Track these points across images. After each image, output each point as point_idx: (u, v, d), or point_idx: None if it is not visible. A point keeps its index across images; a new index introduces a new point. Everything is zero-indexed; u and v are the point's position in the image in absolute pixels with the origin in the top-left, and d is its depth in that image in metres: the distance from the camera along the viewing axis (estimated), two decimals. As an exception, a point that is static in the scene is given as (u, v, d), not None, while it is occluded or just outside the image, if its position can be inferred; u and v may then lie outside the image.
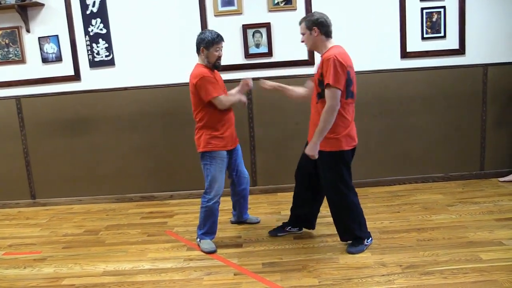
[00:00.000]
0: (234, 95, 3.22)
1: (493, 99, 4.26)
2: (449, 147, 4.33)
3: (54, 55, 4.21)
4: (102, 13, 4.11)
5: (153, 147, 4.32)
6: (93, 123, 4.29)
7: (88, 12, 4.11)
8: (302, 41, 2.95)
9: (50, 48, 4.20)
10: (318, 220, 3.52)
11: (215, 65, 3.13)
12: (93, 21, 4.12)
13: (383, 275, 2.66)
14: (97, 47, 4.17)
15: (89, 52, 4.18)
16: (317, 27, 2.83)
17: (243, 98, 3.20)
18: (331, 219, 3.53)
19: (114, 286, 2.74)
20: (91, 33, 4.15)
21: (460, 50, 4.16)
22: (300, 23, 2.93)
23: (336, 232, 3.28)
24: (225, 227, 3.56)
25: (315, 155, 2.84)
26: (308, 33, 2.87)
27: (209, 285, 2.69)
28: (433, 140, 4.31)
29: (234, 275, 2.79)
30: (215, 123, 3.13)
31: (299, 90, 3.21)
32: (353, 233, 3.01)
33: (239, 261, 2.97)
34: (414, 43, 4.16)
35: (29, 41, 4.20)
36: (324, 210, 3.78)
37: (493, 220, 3.36)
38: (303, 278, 2.69)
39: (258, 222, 3.62)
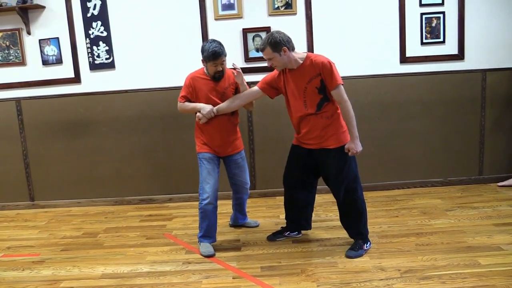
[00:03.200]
0: (191, 104, 3.14)
1: (491, 104, 4.27)
2: (448, 152, 4.34)
3: (54, 57, 4.21)
4: (103, 16, 4.12)
5: (152, 150, 4.32)
6: (92, 125, 4.29)
7: (89, 15, 4.12)
8: (271, 65, 2.95)
9: (50, 50, 4.20)
10: (317, 224, 3.53)
11: (213, 77, 3.11)
12: (94, 24, 4.13)
13: (381, 280, 2.66)
14: (98, 49, 4.18)
15: (90, 55, 4.19)
16: (285, 46, 2.84)
17: (204, 110, 3.07)
18: (329, 223, 3.58)
19: (112, 289, 2.74)
20: (92, 36, 4.16)
21: (459, 56, 4.18)
22: (263, 49, 2.88)
23: (335, 236, 3.31)
24: (224, 231, 3.56)
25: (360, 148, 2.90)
26: (277, 56, 2.85)
27: (207, 289, 2.69)
28: (432, 144, 4.32)
29: (233, 278, 2.79)
30: (199, 127, 3.20)
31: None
32: (366, 227, 3.10)
33: (237, 265, 2.97)
34: (414, 48, 4.17)
35: (30, 43, 4.21)
36: (323, 214, 3.80)
37: (492, 225, 3.37)
38: (301, 282, 2.69)
39: (257, 226, 3.62)
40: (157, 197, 4.39)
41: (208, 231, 3.18)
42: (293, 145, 3.15)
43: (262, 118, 4.26)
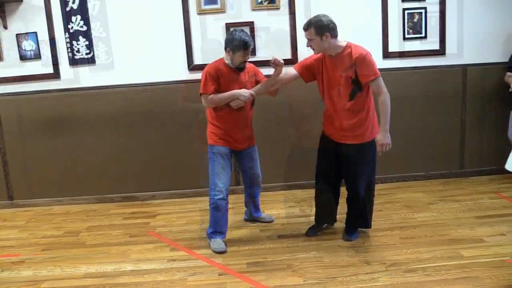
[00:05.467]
0: (226, 94, 3.05)
1: (472, 99, 4.33)
2: (430, 146, 4.39)
3: (32, 52, 4.10)
4: (82, 10, 4.02)
5: (134, 147, 4.25)
6: (73, 122, 4.19)
7: (68, 8, 4.02)
8: (309, 46, 2.90)
9: (28, 45, 4.09)
10: (302, 219, 3.54)
11: (238, 67, 3.09)
12: (73, 18, 4.04)
13: (367, 273, 2.68)
14: (77, 44, 4.08)
15: (69, 50, 4.09)
16: (329, 32, 2.79)
17: (242, 96, 3.02)
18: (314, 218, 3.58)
19: (96, 288, 2.69)
20: (71, 30, 4.06)
21: (440, 51, 4.23)
22: (307, 29, 2.83)
23: (327, 232, 3.32)
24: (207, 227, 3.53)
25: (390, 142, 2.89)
26: (318, 39, 2.81)
27: (193, 286, 2.66)
28: (413, 139, 4.36)
29: (219, 275, 2.77)
30: (213, 119, 3.15)
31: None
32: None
33: (223, 261, 2.95)
34: (396, 43, 4.20)
35: (7, 38, 4.08)
36: (308, 209, 3.79)
37: (474, 218, 3.42)
38: (287, 277, 2.69)
39: (272, 221, 3.57)
40: (140, 194, 4.33)
41: (219, 227, 3.15)
42: (323, 134, 3.12)
43: (262, 116, 4.20)
